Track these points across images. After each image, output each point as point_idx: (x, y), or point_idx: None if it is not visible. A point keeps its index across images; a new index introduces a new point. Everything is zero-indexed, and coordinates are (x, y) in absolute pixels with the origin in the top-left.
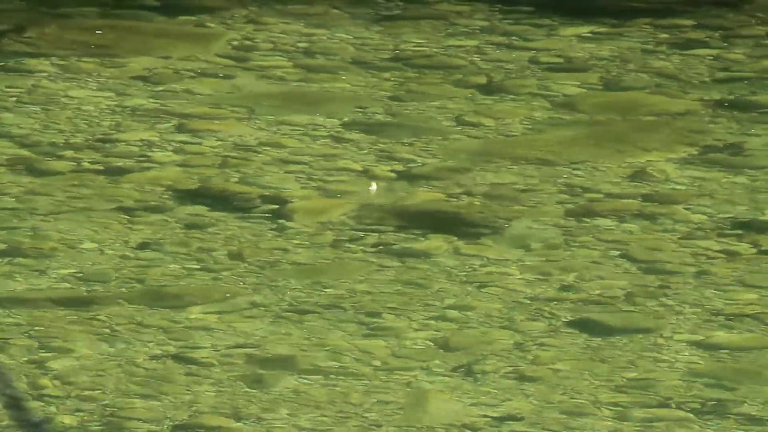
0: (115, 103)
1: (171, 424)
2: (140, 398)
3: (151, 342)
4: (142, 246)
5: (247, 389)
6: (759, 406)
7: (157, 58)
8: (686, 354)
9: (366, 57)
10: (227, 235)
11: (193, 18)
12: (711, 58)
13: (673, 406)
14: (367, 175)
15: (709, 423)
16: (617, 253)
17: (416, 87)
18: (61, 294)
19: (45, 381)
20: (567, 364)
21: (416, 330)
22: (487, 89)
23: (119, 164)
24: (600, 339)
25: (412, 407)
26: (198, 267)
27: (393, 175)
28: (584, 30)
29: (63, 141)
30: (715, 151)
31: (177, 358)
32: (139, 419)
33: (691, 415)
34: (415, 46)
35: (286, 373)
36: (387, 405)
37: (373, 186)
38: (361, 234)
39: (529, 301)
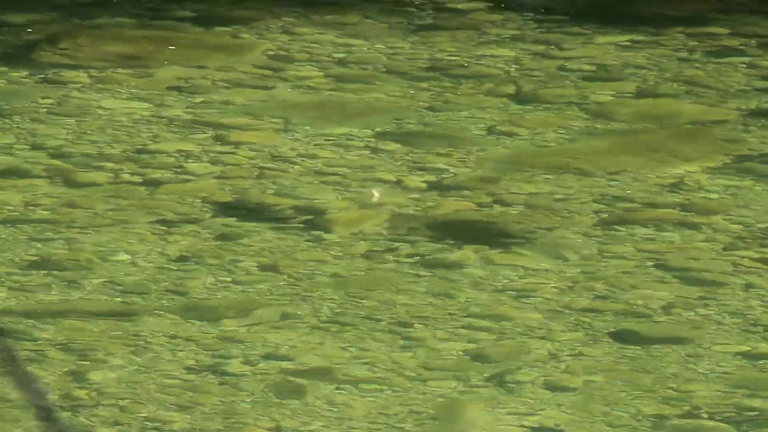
0: (151, 113)
1: None
2: (177, 410)
3: (188, 354)
4: (179, 258)
5: (282, 401)
6: None
7: (192, 69)
8: (725, 365)
9: (400, 67)
10: (262, 246)
11: (228, 29)
12: (746, 66)
13: (711, 417)
14: (401, 185)
15: None
16: (654, 263)
17: (450, 97)
18: (97, 306)
19: (81, 393)
20: (604, 374)
21: (450, 341)
22: (522, 98)
23: (156, 176)
24: (638, 349)
25: (445, 418)
26: (233, 279)
27: (424, 185)
28: (619, 38)
29: (98, 152)
30: (751, 160)
31: (213, 370)
32: (173, 431)
33: (729, 426)
34: (449, 56)
35: (320, 384)
36: (420, 415)
37: (375, 194)
38: (395, 245)
39: (565, 311)
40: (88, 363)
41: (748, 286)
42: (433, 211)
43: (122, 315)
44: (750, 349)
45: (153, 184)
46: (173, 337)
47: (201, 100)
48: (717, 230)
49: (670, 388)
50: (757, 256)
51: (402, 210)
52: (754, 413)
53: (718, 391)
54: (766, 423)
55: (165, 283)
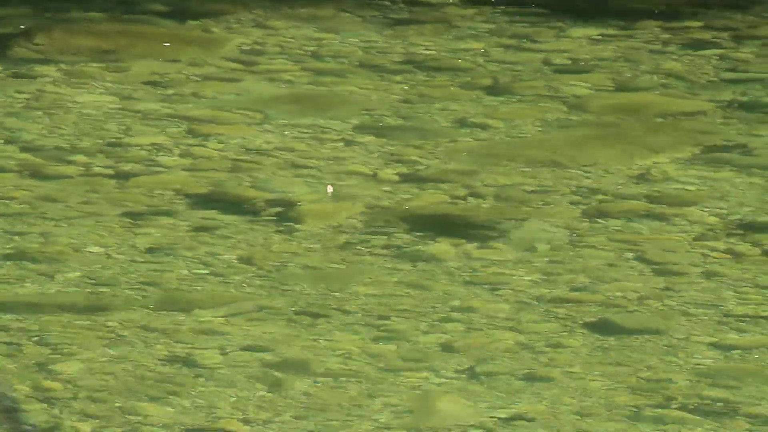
0: (124, 107)
1: (182, 428)
2: (151, 402)
3: (161, 346)
4: (152, 250)
5: (257, 393)
6: (765, 405)
7: (165, 63)
8: (698, 355)
9: (374, 60)
10: (237, 239)
11: (200, 23)
12: (720, 58)
13: (685, 407)
14: (375, 178)
15: (719, 424)
16: (628, 254)
17: (425, 90)
18: (71, 298)
19: (55, 385)
20: (577, 366)
21: (425, 333)
22: (496, 91)
23: (128, 168)
24: (611, 340)
25: (420, 410)
26: (207, 271)
27: (398, 177)
28: (593, 32)
29: (71, 146)
30: (725, 152)
31: (187, 362)
32: (150, 424)
33: (701, 417)
34: (423, 49)
35: (295, 376)
36: (395, 407)
37: (330, 188)
38: (369, 237)
39: (538, 303)
40: (61, 355)
41: (720, 278)
42: (408, 204)
43: (96, 307)
44: (721, 340)
45: (126, 177)
46: (147, 329)
47: (174, 93)
48: (690, 222)
49: (644, 378)
50: (729, 247)
51: (376, 202)
52: (725, 403)
53: (691, 381)
54: (737, 413)
55: (139, 276)
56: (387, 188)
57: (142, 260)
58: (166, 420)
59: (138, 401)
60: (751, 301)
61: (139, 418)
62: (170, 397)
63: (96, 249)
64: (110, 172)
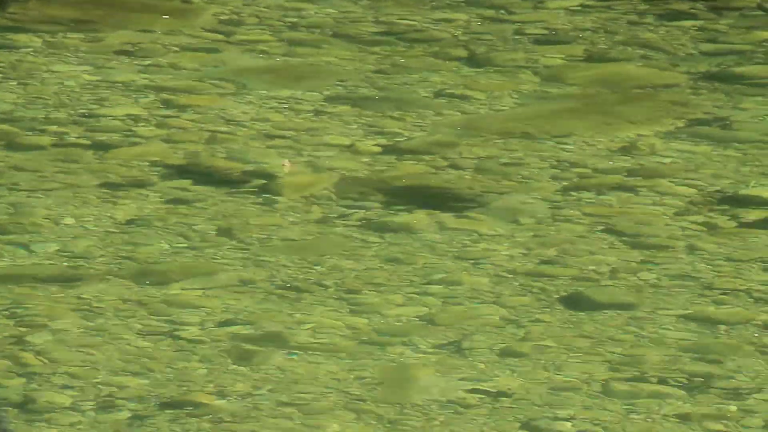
0: (100, 77)
1: (159, 401)
2: (130, 375)
3: (138, 319)
4: (128, 222)
5: (233, 366)
6: (743, 379)
7: (141, 33)
8: (672, 329)
9: (351, 30)
10: (213, 210)
11: None
12: (697, 29)
13: (661, 381)
14: (353, 149)
15: (694, 397)
16: (605, 227)
17: (402, 61)
18: (46, 271)
19: (31, 359)
20: (554, 339)
21: (401, 306)
22: (473, 62)
23: (104, 139)
24: (587, 314)
25: (396, 384)
26: (185, 243)
27: (376, 149)
28: (570, 2)
29: (46, 116)
30: (703, 124)
31: (164, 335)
32: (126, 397)
33: (677, 390)
34: (399, 19)
35: (272, 349)
36: (371, 381)
37: (286, 162)
38: (347, 209)
39: (515, 276)
40: (38, 329)
41: (697, 251)
42: (386, 175)
43: (72, 280)
44: (697, 313)
45: (102, 147)
46: (125, 301)
47: (150, 64)
48: (667, 194)
49: (619, 352)
50: (706, 220)
51: (354, 174)
52: (701, 377)
53: (666, 355)
54: (710, 386)
55: (116, 248)
56: (364, 159)
57: (119, 232)
58: (141, 393)
59: (114, 374)
60: (726, 275)
61: (115, 390)
62: (146, 370)
63: (71, 221)
64: (86, 142)
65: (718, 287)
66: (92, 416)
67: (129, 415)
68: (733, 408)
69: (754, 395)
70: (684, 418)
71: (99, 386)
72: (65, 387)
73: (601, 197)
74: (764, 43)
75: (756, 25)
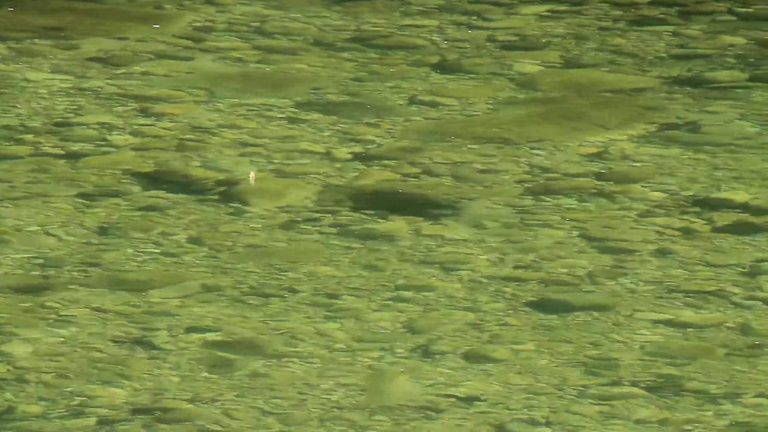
0: (72, 85)
1: (132, 408)
2: (102, 384)
3: (110, 327)
4: (100, 230)
5: (207, 373)
6: (714, 382)
7: (114, 40)
8: (645, 332)
9: (325, 38)
10: (185, 218)
11: (151, 0)
12: (668, 34)
13: (634, 384)
14: (326, 156)
15: (666, 401)
16: (577, 232)
17: (375, 67)
18: (18, 280)
19: (2, 369)
20: (528, 344)
21: (376, 312)
22: (446, 68)
23: (77, 148)
24: (560, 318)
25: (372, 389)
26: (157, 251)
27: (349, 156)
28: (542, 9)
29: (20, 124)
30: (674, 129)
31: (136, 342)
32: (98, 405)
33: (648, 393)
34: (373, 26)
35: (245, 356)
36: (347, 387)
37: (252, 174)
38: (319, 216)
39: (490, 281)
40: (9, 339)
41: (670, 254)
42: (359, 182)
43: (44, 289)
44: (670, 317)
45: (74, 156)
46: (97, 310)
47: (123, 71)
48: (639, 199)
49: (593, 357)
50: (679, 224)
51: (327, 180)
52: (670, 380)
53: (639, 359)
54: (682, 389)
55: (87, 256)
56: (337, 166)
57: (91, 240)
58: (114, 401)
59: (86, 383)
60: (699, 278)
61: (88, 399)
62: (119, 378)
63: (44, 229)
64: (60, 151)
65: (691, 291)
66: (62, 424)
67: (100, 422)
68: (706, 411)
69: (727, 399)
70: (657, 422)
71: (71, 396)
72: (37, 397)
73: (574, 202)
74: (734, 48)
75: (726, 30)
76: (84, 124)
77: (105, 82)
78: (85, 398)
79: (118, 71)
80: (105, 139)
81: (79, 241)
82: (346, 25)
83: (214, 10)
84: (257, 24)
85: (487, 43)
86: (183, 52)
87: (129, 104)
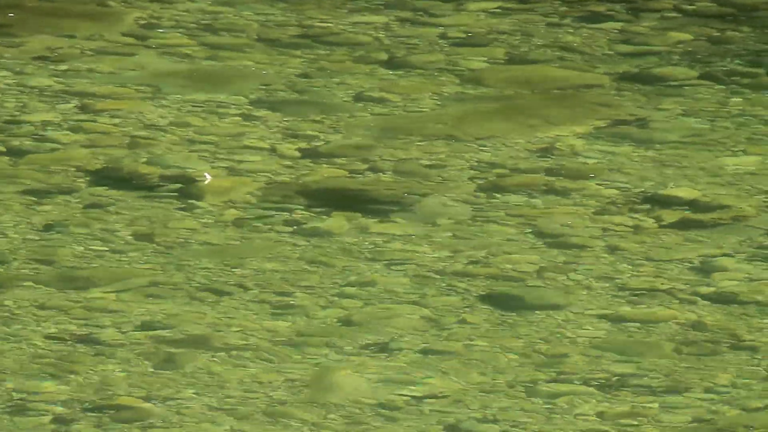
0: (17, 82)
1: (80, 406)
2: (47, 380)
3: (57, 324)
4: (47, 227)
5: (156, 370)
6: (660, 378)
7: (60, 38)
8: (594, 329)
9: (271, 34)
10: (134, 215)
11: None
12: (617, 31)
13: (583, 382)
14: (274, 153)
15: (609, 396)
16: (527, 228)
17: (323, 64)
18: None
19: None
20: (478, 339)
21: (324, 308)
22: (394, 65)
23: (23, 145)
24: (509, 315)
25: (320, 386)
26: (105, 248)
27: (297, 153)
28: (490, 5)
29: None
30: (623, 125)
31: (84, 339)
32: (45, 401)
33: (596, 390)
34: (320, 23)
35: (194, 353)
36: (294, 383)
37: (207, 176)
38: (267, 213)
39: (438, 277)
40: None
41: (619, 251)
42: (306, 179)
43: None
44: (619, 313)
45: (19, 153)
46: (43, 307)
47: (69, 69)
48: (589, 195)
49: (542, 353)
50: (628, 221)
51: (275, 178)
52: (619, 376)
53: (588, 355)
54: (629, 385)
55: (34, 253)
56: (286, 163)
57: (38, 238)
58: (61, 398)
59: (33, 380)
60: (646, 274)
61: (33, 396)
62: (66, 375)
63: None
64: (3, 149)
65: (639, 287)
66: (8, 420)
67: (51, 420)
68: (653, 406)
69: (673, 394)
70: (604, 417)
71: (14, 392)
72: None
73: (523, 198)
74: (682, 45)
75: (674, 26)
76: (29, 122)
77: (50, 80)
78: (28, 394)
79: (63, 68)
80: (51, 136)
81: (26, 238)
82: (291, 21)
83: (159, 7)
84: (203, 20)
85: (435, 40)
86: (129, 49)
87: (74, 101)
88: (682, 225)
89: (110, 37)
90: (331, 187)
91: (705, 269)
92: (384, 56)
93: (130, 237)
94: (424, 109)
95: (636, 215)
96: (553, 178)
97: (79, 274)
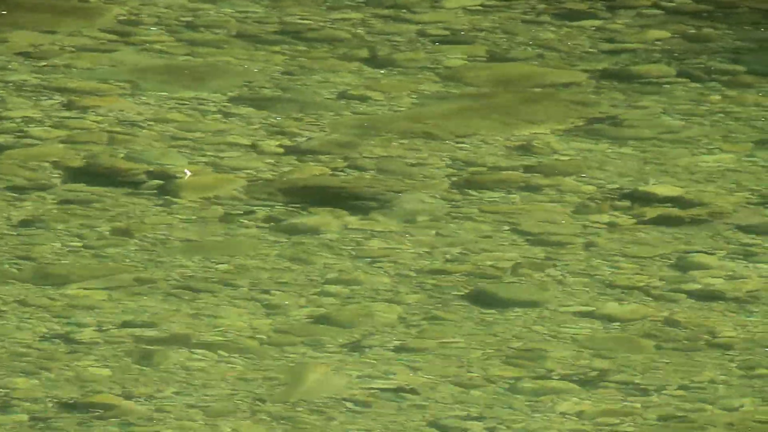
0: None
1: (58, 402)
2: (26, 377)
3: (35, 320)
4: (26, 223)
5: (136, 367)
6: (638, 374)
7: (41, 34)
8: (572, 325)
9: (251, 31)
10: (114, 212)
11: None
12: (595, 29)
13: (563, 378)
14: (255, 150)
15: (591, 392)
16: (505, 225)
17: (303, 61)
18: None
19: None
20: (457, 337)
21: (304, 306)
22: (374, 62)
23: (2, 141)
24: (488, 311)
25: (299, 383)
26: (84, 244)
27: (279, 150)
28: (470, 2)
29: None
30: (601, 122)
31: (62, 336)
32: (23, 398)
33: (575, 386)
34: (300, 20)
35: (173, 350)
36: (272, 381)
37: (187, 172)
38: (249, 209)
39: (418, 274)
40: None
41: (597, 248)
42: (288, 176)
43: None
44: (597, 309)
45: (0, 149)
46: (22, 303)
47: (49, 65)
48: (567, 192)
49: (522, 349)
50: (606, 218)
51: (256, 174)
52: (596, 372)
53: (568, 352)
54: (607, 381)
55: (12, 249)
56: (267, 160)
57: (16, 234)
58: (39, 395)
59: (11, 377)
60: (624, 271)
61: (12, 392)
62: (45, 372)
63: None
64: None
65: (618, 284)
66: None
67: (31, 417)
68: (633, 403)
69: (653, 391)
70: (584, 414)
71: None
72: None
73: (502, 195)
74: (660, 42)
75: (652, 24)
76: (8, 118)
77: (31, 76)
78: (7, 390)
79: (44, 64)
80: (30, 132)
81: (5, 234)
82: (272, 18)
83: (139, 3)
84: (184, 17)
85: (416, 37)
86: (110, 45)
87: (55, 97)
88: (661, 222)
89: (91, 33)
90: (313, 184)
91: (683, 266)
92: (365, 54)
93: (110, 234)
94: (404, 108)
95: (614, 212)
96: (533, 175)
97: (60, 270)
